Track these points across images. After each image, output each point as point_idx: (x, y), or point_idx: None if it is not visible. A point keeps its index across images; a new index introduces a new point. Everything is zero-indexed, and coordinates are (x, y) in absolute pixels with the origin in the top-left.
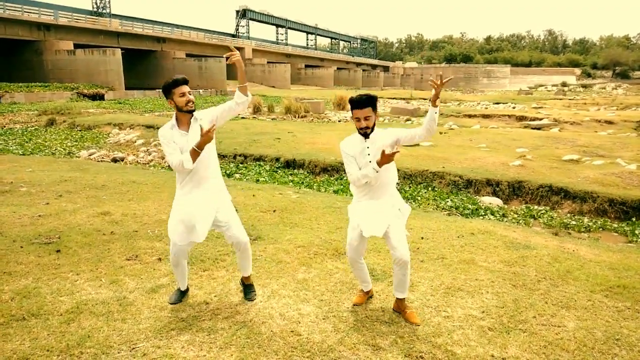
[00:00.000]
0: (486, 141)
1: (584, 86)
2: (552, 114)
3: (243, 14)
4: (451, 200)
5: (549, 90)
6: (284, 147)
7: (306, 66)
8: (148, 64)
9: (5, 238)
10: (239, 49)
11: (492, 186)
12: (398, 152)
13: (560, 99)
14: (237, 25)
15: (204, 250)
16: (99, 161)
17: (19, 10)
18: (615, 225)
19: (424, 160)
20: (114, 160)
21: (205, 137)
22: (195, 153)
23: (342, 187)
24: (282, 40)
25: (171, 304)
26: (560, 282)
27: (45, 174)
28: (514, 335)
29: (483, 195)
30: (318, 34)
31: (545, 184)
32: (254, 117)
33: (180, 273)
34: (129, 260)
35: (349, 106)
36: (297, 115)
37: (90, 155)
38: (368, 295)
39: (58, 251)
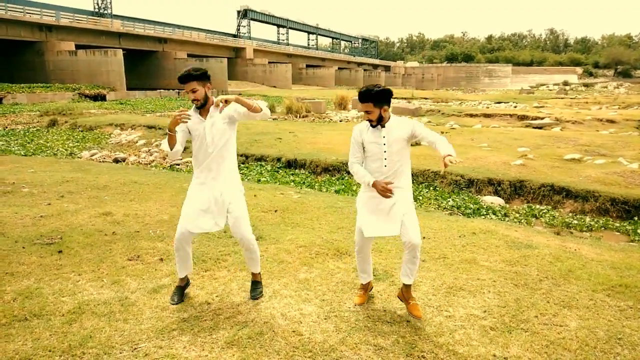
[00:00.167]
0: (488, 140)
1: (586, 85)
2: (554, 113)
3: (244, 14)
4: (453, 199)
5: (550, 90)
6: (286, 147)
7: (307, 66)
8: (149, 64)
9: (8, 239)
10: (241, 49)
11: (493, 185)
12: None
13: (562, 98)
14: (238, 26)
15: (205, 251)
16: (100, 162)
17: (21, 11)
18: (617, 225)
19: (425, 160)
20: (116, 160)
21: (173, 120)
22: (167, 135)
23: (343, 187)
24: (283, 40)
25: (172, 304)
26: (562, 281)
27: (47, 174)
28: (516, 335)
29: (485, 195)
30: (319, 34)
31: (547, 183)
32: None
33: (181, 258)
34: (130, 260)
35: (350, 106)
36: (298, 115)
37: (92, 155)
38: (368, 290)
39: (60, 252)
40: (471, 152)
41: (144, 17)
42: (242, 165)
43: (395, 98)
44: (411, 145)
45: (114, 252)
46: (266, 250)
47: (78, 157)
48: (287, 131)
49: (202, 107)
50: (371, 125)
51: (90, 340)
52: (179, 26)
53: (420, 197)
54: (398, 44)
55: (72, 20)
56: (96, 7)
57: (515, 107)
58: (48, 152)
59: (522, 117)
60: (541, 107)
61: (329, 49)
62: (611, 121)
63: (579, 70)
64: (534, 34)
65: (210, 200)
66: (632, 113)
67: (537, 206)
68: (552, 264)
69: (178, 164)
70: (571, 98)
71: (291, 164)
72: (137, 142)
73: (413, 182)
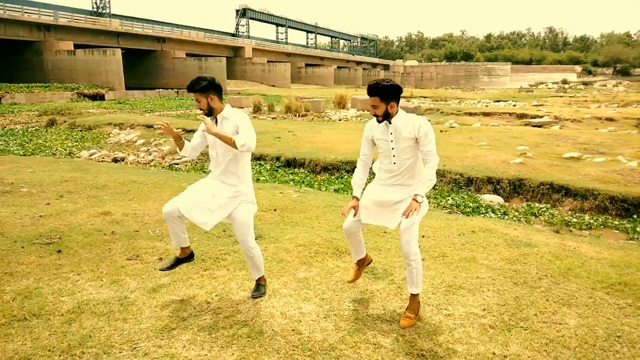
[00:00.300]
0: (487, 139)
1: (585, 83)
2: (553, 111)
3: (243, 13)
4: (452, 198)
5: (549, 88)
6: (285, 146)
7: (306, 65)
8: (148, 63)
9: (6, 238)
10: (240, 48)
11: (493, 184)
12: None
13: (561, 97)
14: (237, 25)
15: (204, 250)
16: (99, 161)
17: (19, 11)
18: (617, 223)
19: None
20: (115, 160)
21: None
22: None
23: (342, 185)
24: (282, 39)
25: (160, 269)
26: (561, 279)
27: (46, 174)
28: (515, 333)
29: (484, 193)
30: (318, 33)
31: (546, 181)
32: (255, 117)
33: (170, 230)
34: (130, 260)
35: (349, 105)
36: (297, 114)
37: (90, 155)
38: (363, 266)
39: (59, 251)
40: (470, 151)
41: (142, 17)
42: None
43: None
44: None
45: (113, 252)
46: (265, 249)
47: (77, 157)
48: (286, 130)
49: (209, 115)
50: (377, 120)
51: (90, 340)
52: (177, 25)
53: None
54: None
55: (71, 20)
56: (95, 6)
57: (514, 105)
58: (47, 151)
59: (521, 116)
60: (540, 105)
61: (328, 47)
62: (610, 119)
63: (578, 68)
64: (532, 33)
65: (212, 196)
66: (631, 111)
67: (537, 204)
68: (551, 262)
69: (177, 164)
70: (570, 96)
71: (290, 163)
72: (136, 141)
73: None
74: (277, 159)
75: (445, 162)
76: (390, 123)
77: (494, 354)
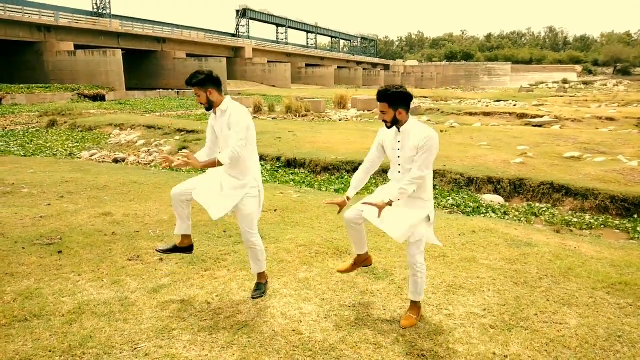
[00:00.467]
0: (487, 139)
1: (585, 83)
2: (553, 111)
3: (243, 13)
4: (452, 198)
5: (550, 88)
6: (285, 146)
7: (307, 65)
8: (148, 64)
9: (7, 239)
10: (240, 48)
11: (493, 184)
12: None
13: (561, 96)
14: (237, 25)
15: (205, 250)
16: (100, 162)
17: (20, 12)
18: (617, 222)
19: None
20: (115, 160)
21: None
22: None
23: (343, 186)
24: (283, 39)
25: (156, 250)
26: (561, 279)
27: (46, 175)
28: (516, 333)
29: (484, 193)
30: (318, 33)
31: (547, 181)
32: (255, 117)
33: (176, 213)
34: (130, 260)
35: (349, 105)
36: (297, 115)
37: (91, 156)
38: (361, 262)
39: (60, 252)
40: (471, 151)
41: (142, 17)
42: None
43: None
44: None
45: (113, 252)
46: (266, 249)
47: (77, 158)
48: (286, 130)
49: (209, 109)
50: (386, 126)
51: (91, 341)
52: (177, 26)
53: None
54: (397, 43)
55: (71, 21)
56: (95, 7)
57: (514, 105)
58: (47, 152)
59: (522, 116)
60: (540, 105)
61: (328, 48)
62: (610, 119)
63: (578, 68)
64: (533, 32)
65: (220, 187)
66: (631, 111)
67: (537, 204)
68: (551, 262)
69: None
70: (570, 96)
71: (291, 163)
72: (136, 142)
73: None
74: (278, 159)
75: (445, 162)
76: (399, 131)
77: (494, 354)
